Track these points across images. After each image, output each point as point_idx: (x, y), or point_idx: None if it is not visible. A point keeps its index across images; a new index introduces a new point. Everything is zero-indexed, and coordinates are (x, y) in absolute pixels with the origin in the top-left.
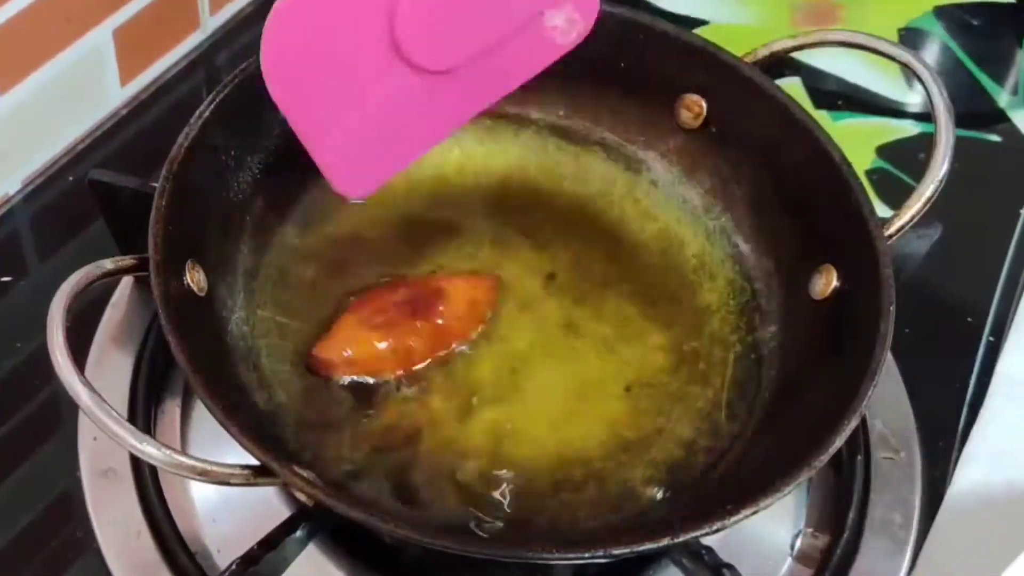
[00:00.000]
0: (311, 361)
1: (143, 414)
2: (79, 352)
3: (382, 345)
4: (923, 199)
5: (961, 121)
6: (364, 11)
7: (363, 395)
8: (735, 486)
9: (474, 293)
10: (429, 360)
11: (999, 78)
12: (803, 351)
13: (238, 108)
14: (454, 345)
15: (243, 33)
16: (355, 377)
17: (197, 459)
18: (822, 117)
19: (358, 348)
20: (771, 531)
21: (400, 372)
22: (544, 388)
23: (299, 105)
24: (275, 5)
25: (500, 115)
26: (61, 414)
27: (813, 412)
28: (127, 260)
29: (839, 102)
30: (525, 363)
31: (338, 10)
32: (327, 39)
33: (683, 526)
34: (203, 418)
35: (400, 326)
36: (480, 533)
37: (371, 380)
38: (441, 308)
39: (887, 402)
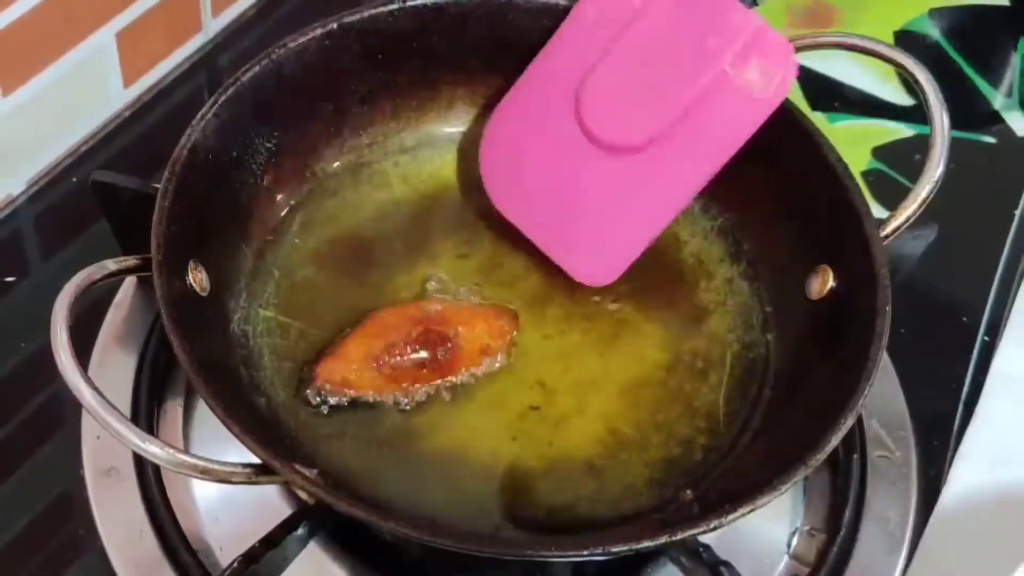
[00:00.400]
0: (312, 377)
1: (146, 413)
2: (82, 352)
3: (383, 379)
4: (919, 200)
5: (956, 123)
6: (554, 107)
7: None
8: (733, 484)
9: (489, 339)
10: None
11: (994, 80)
12: (800, 350)
13: (239, 110)
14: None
15: (244, 36)
16: (348, 399)
17: (199, 458)
18: (819, 119)
19: (359, 378)
20: (768, 529)
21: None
22: (544, 386)
23: (525, 215)
24: (485, 133)
25: None
26: (64, 413)
27: (810, 411)
28: (130, 260)
29: (835, 104)
30: (524, 361)
31: (531, 113)
32: (528, 144)
33: (681, 524)
34: (205, 417)
35: (407, 370)
36: (479, 532)
37: (368, 399)
38: (453, 356)
39: (883, 401)
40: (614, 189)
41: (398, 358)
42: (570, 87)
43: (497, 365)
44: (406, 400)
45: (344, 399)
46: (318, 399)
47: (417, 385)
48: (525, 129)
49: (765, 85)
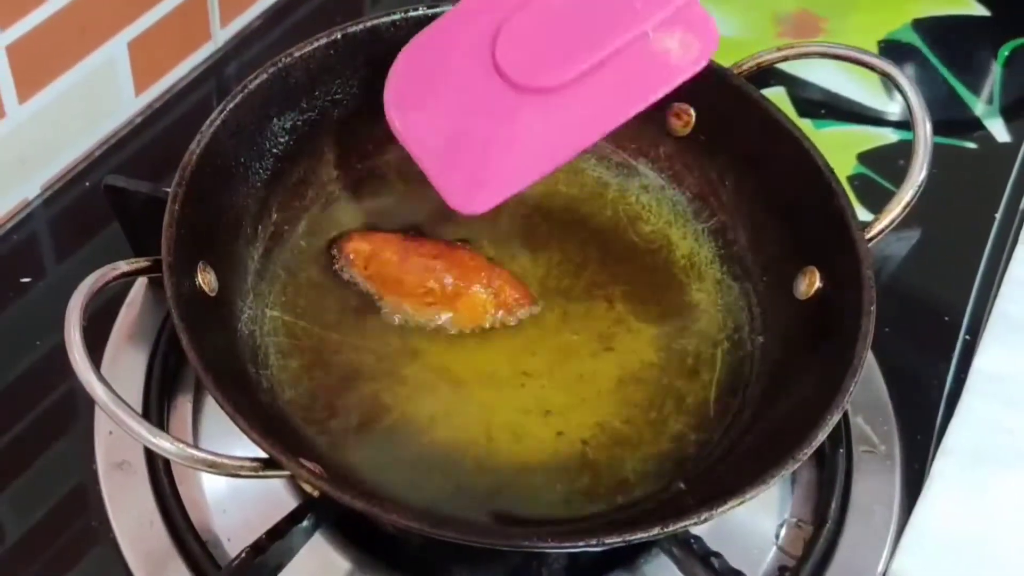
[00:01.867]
0: (343, 244)
1: (156, 409)
2: (95, 350)
3: (394, 278)
4: (902, 204)
5: (939, 129)
6: (469, 41)
7: (364, 389)
8: (722, 477)
9: (495, 303)
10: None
11: (975, 88)
12: (788, 349)
13: (247, 117)
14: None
15: (252, 45)
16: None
17: (208, 452)
18: (806, 125)
19: (379, 262)
20: (757, 521)
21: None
22: (539, 383)
23: (415, 134)
24: (401, 53)
25: None
26: (78, 409)
27: (797, 407)
28: (141, 262)
29: (822, 111)
30: (522, 359)
31: (446, 44)
32: (438, 72)
33: (673, 516)
34: (214, 413)
35: (416, 280)
36: (478, 523)
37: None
38: (457, 294)
39: (868, 398)
40: (513, 125)
41: (416, 259)
42: (491, 25)
43: (487, 326)
44: (399, 317)
45: (358, 277)
46: (337, 267)
47: (414, 307)
48: (438, 57)
49: (683, 55)
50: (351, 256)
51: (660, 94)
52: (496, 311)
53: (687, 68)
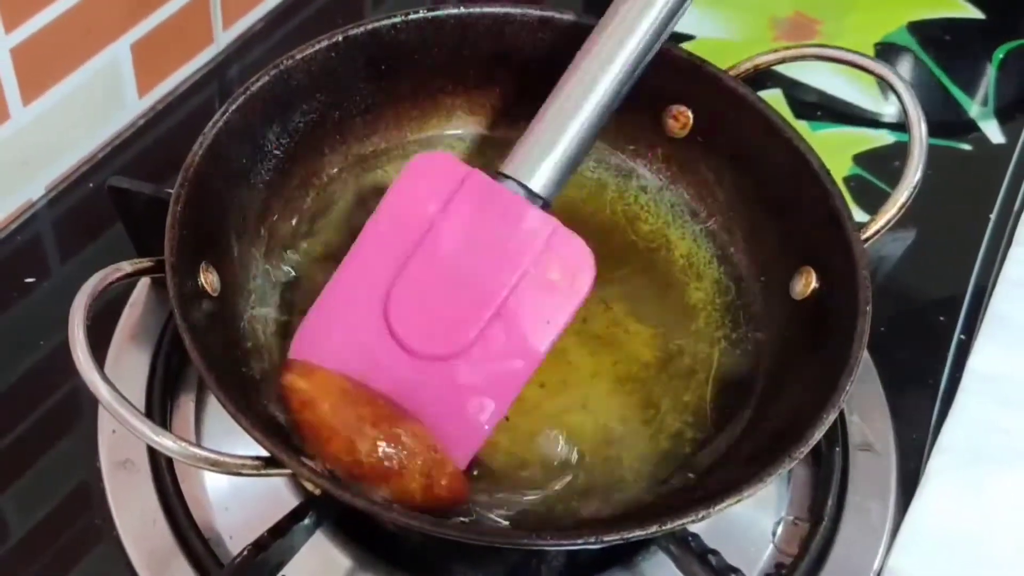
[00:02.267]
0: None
1: (159, 408)
2: (99, 349)
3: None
4: (898, 204)
5: (934, 131)
6: (364, 315)
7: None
8: (720, 476)
9: (447, 483)
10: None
11: (970, 90)
12: (784, 348)
13: (249, 119)
14: None
15: (254, 47)
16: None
17: (210, 451)
18: (802, 127)
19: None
20: (754, 518)
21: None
22: (538, 382)
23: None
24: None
25: (497, 127)
26: (81, 408)
27: (794, 406)
28: (144, 262)
29: (818, 113)
30: None
31: (347, 316)
32: (342, 345)
33: (670, 514)
34: (216, 412)
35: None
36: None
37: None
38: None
39: (864, 397)
40: (433, 395)
41: (352, 417)
42: (378, 293)
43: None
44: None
45: (281, 418)
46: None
47: (339, 470)
48: (338, 333)
49: (569, 281)
50: (286, 391)
51: (563, 324)
52: (423, 500)
53: (576, 294)
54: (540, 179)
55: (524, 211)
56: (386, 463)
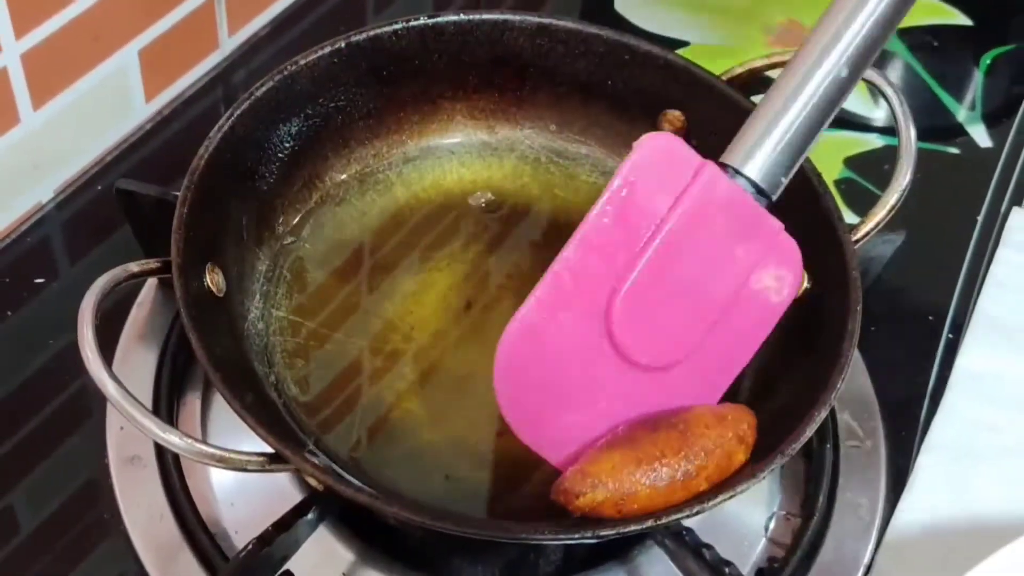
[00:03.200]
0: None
1: (166, 406)
2: (107, 348)
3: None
4: (887, 207)
5: (922, 135)
6: (583, 324)
7: (367, 387)
8: None
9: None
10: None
11: (958, 95)
12: (777, 347)
13: (253, 123)
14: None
15: (258, 53)
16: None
17: (216, 447)
18: None
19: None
20: (747, 513)
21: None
22: None
23: (530, 424)
24: (504, 336)
25: (497, 132)
26: (90, 406)
27: (786, 403)
28: (151, 263)
29: None
30: None
31: (560, 328)
32: (553, 356)
33: (666, 509)
34: (222, 409)
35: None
36: (476, 516)
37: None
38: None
39: (855, 394)
40: (626, 399)
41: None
42: (600, 297)
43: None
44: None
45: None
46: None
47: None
48: (556, 337)
49: (779, 290)
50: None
51: (764, 337)
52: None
53: (783, 303)
54: (767, 173)
55: (755, 214)
56: (703, 462)
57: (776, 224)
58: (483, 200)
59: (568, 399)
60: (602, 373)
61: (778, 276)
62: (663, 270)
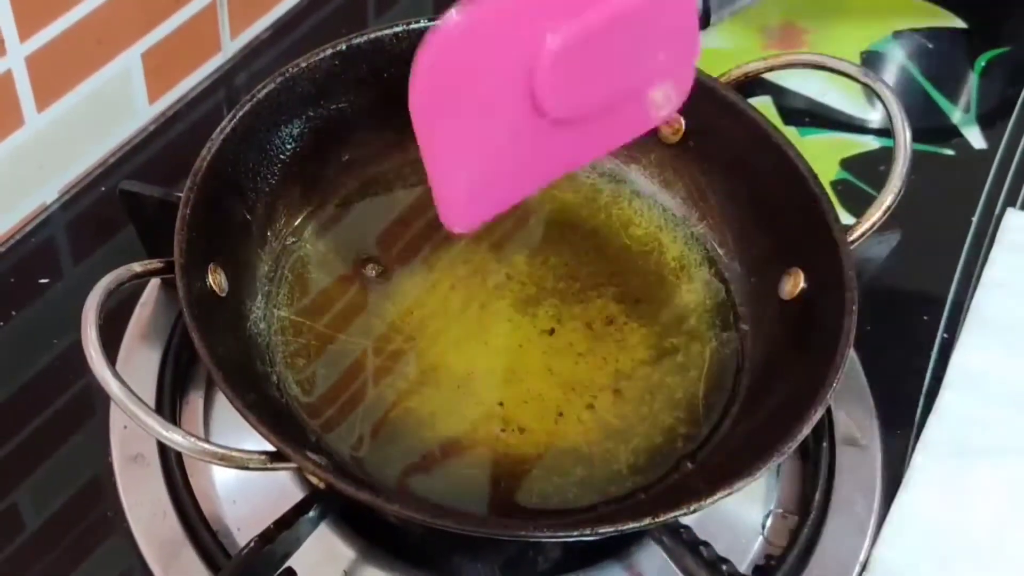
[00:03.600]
0: None
1: (169, 404)
2: (110, 348)
3: None
4: (883, 208)
5: (918, 136)
6: (509, 56)
7: (368, 386)
8: (711, 470)
9: None
10: None
11: (953, 97)
12: (773, 346)
13: (256, 124)
14: None
15: (260, 56)
16: None
17: (218, 446)
18: (790, 132)
19: None
20: (744, 511)
21: None
22: (537, 381)
23: (434, 137)
24: (433, 34)
25: None
26: (94, 404)
27: (782, 402)
28: (154, 263)
29: (806, 119)
30: (519, 358)
31: (487, 52)
32: (473, 78)
33: (663, 507)
34: (224, 408)
35: None
36: (476, 514)
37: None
38: None
39: (850, 393)
40: (518, 147)
41: None
42: (531, 38)
43: None
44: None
45: None
46: None
47: None
48: (480, 60)
49: (661, 108)
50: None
51: (631, 137)
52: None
53: (658, 120)
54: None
55: (693, 31)
56: None
57: (697, 50)
58: None
59: (473, 125)
60: (510, 111)
61: (667, 95)
62: (599, 37)
